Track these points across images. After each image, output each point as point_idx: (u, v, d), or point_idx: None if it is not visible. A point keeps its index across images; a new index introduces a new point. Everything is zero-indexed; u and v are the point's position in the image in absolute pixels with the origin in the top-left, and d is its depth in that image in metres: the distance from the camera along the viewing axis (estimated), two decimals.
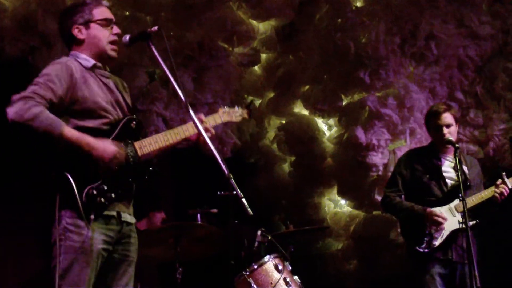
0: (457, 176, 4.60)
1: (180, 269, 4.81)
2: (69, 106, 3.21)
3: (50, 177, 3.09)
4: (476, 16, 7.30)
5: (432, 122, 5.01)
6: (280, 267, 4.87)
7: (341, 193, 7.54)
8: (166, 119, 6.53)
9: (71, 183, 3.02)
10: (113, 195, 3.18)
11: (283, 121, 7.74)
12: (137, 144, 3.36)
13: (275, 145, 7.83)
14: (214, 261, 5.20)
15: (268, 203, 7.61)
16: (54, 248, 3.11)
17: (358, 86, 7.10)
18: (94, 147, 3.11)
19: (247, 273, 4.82)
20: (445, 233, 4.79)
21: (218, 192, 4.90)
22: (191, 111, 3.20)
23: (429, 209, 4.80)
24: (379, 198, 6.72)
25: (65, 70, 3.22)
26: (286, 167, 7.95)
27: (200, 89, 6.72)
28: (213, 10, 6.58)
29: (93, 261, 3.12)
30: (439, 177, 4.96)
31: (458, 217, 4.79)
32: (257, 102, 7.81)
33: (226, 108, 3.97)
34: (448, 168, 4.98)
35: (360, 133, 6.98)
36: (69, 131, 3.08)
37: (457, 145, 4.75)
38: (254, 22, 7.14)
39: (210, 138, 3.26)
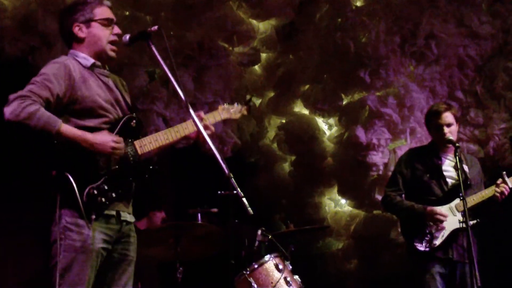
0: (458, 175, 4.61)
1: (181, 268, 4.81)
2: (69, 106, 3.20)
3: (50, 177, 3.09)
4: (476, 15, 7.31)
5: (433, 121, 5.01)
6: (280, 267, 4.86)
7: (342, 193, 7.54)
8: (166, 118, 6.53)
9: (71, 183, 3.02)
10: (113, 194, 3.18)
11: (283, 121, 7.74)
12: (137, 143, 3.35)
13: (275, 145, 7.83)
14: (215, 261, 5.20)
15: (268, 203, 7.60)
16: (53, 247, 3.10)
17: (358, 85, 7.10)
18: (93, 142, 3.12)
19: (248, 272, 4.81)
20: (446, 232, 4.80)
21: (219, 192, 4.90)
22: (191, 110, 3.20)
23: (429, 207, 4.80)
24: (379, 197, 6.72)
25: (63, 69, 3.21)
26: (286, 166, 7.95)
27: (200, 88, 6.72)
28: (213, 9, 6.58)
29: (93, 260, 3.12)
30: (440, 176, 4.96)
31: (459, 216, 4.79)
32: (257, 101, 7.81)
33: (225, 105, 3.95)
34: (448, 167, 4.98)
35: (360, 132, 6.98)
36: (66, 128, 3.08)
37: (457, 144, 4.75)
38: (254, 22, 7.14)
39: (210, 136, 3.26)
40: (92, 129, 3.20)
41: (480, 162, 5.40)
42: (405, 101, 7.03)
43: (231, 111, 3.96)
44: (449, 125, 4.92)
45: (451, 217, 4.82)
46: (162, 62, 3.26)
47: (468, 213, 4.44)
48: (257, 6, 6.89)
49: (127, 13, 6.37)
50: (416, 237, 4.86)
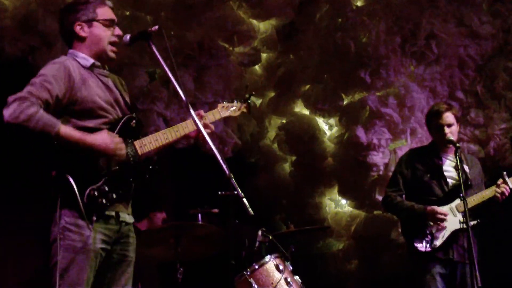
0: (458, 175, 4.61)
1: (181, 269, 4.80)
2: (68, 106, 3.19)
3: (50, 178, 3.08)
4: (477, 15, 7.31)
5: (434, 121, 5.00)
6: (281, 267, 4.86)
7: (342, 193, 7.53)
8: (166, 118, 6.52)
9: (72, 185, 3.02)
10: (114, 195, 3.17)
11: (284, 121, 7.74)
12: (137, 143, 3.35)
13: (275, 145, 7.83)
14: (215, 261, 5.19)
15: (269, 203, 7.60)
16: (53, 247, 3.10)
17: (358, 85, 7.10)
18: (93, 143, 3.11)
19: (248, 273, 4.81)
20: (446, 233, 4.79)
21: (219, 192, 4.89)
22: (191, 110, 3.19)
23: (430, 207, 4.80)
24: (380, 197, 6.72)
25: (62, 70, 3.20)
26: (286, 166, 7.94)
27: (201, 88, 6.72)
28: (213, 9, 6.58)
29: (92, 261, 3.12)
30: (440, 177, 4.96)
31: (459, 217, 4.78)
32: (258, 101, 7.80)
33: (225, 103, 3.93)
34: (449, 167, 4.98)
35: (360, 132, 6.97)
36: (66, 130, 3.07)
37: (458, 144, 4.74)
38: (254, 22, 7.14)
39: (210, 135, 3.25)
40: (92, 130, 3.19)
41: (481, 162, 5.40)
42: (405, 101, 7.02)
43: (231, 109, 3.94)
44: (449, 125, 4.92)
45: (451, 217, 4.82)
46: (162, 62, 3.26)
47: (469, 213, 4.43)
48: (257, 6, 6.88)
49: (128, 13, 6.37)
50: (416, 238, 4.85)
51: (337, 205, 7.80)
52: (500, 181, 4.92)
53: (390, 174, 5.87)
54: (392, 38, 6.99)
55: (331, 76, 7.28)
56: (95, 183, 3.10)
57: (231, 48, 6.99)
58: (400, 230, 5.38)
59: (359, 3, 7.31)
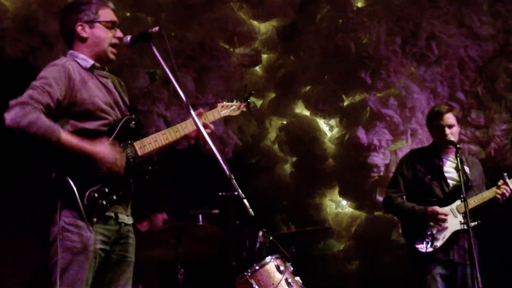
0: (459, 176, 4.60)
1: (182, 269, 4.80)
2: (68, 108, 3.20)
3: (50, 179, 3.08)
4: (477, 16, 7.31)
5: (435, 122, 5.01)
6: (281, 268, 4.86)
7: (343, 194, 7.53)
8: (167, 119, 6.52)
9: (72, 187, 3.02)
10: (114, 197, 3.17)
11: (284, 122, 7.73)
12: (136, 144, 3.34)
13: (276, 146, 7.82)
14: (216, 262, 5.19)
15: (269, 204, 7.60)
16: (52, 247, 3.10)
17: (359, 86, 7.09)
18: (93, 154, 3.10)
19: (249, 273, 4.80)
20: (447, 233, 4.79)
21: (220, 193, 4.89)
22: (191, 111, 3.19)
23: (430, 208, 4.80)
24: (380, 198, 6.71)
25: (63, 72, 3.20)
26: (287, 167, 7.94)
27: (201, 89, 6.71)
28: (213, 10, 6.58)
29: (91, 261, 3.12)
30: (441, 178, 4.96)
31: (460, 218, 4.79)
32: (258, 102, 7.80)
33: (224, 103, 3.92)
34: (449, 168, 4.98)
35: (361, 133, 6.97)
36: (66, 137, 3.07)
37: (458, 145, 4.74)
38: (255, 23, 7.13)
39: (210, 136, 3.25)
40: (91, 132, 3.19)
41: (481, 163, 5.40)
42: (406, 102, 7.02)
43: (231, 108, 3.93)
44: (450, 126, 4.92)
45: (452, 218, 4.82)
46: (163, 63, 3.26)
47: (469, 214, 4.43)
48: (258, 7, 6.88)
49: (128, 14, 6.36)
50: (417, 239, 4.85)
51: (337, 206, 7.80)
52: (500, 182, 4.92)
53: (391, 175, 5.87)
54: (392, 39, 6.99)
55: (332, 77, 7.28)
56: (95, 185, 3.10)
57: (231, 49, 6.99)
58: (400, 231, 5.38)
59: (359, 4, 7.31)
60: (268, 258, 4.90)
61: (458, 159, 4.64)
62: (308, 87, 7.51)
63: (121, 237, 3.29)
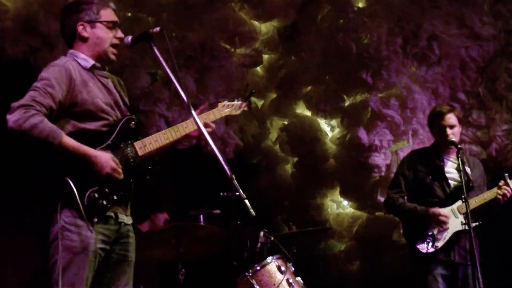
0: (460, 177, 4.60)
1: (183, 270, 4.80)
2: (69, 108, 3.20)
3: (51, 180, 3.08)
4: (478, 16, 7.30)
5: (436, 122, 5.00)
6: (282, 268, 4.85)
7: (344, 194, 7.53)
8: (168, 120, 6.52)
9: (72, 187, 3.02)
10: (115, 197, 3.18)
11: (285, 122, 7.73)
12: (137, 144, 3.35)
13: (277, 146, 7.82)
14: (217, 262, 5.19)
15: (270, 204, 7.59)
16: (52, 247, 3.11)
17: (360, 86, 7.09)
18: (93, 160, 3.10)
19: (250, 274, 4.80)
20: (448, 234, 4.79)
21: (221, 193, 4.89)
22: (192, 111, 3.19)
23: (432, 209, 4.80)
24: (381, 199, 6.71)
25: (64, 72, 3.20)
26: (288, 168, 7.94)
27: (202, 89, 6.71)
28: (214, 11, 6.58)
29: (91, 261, 3.12)
30: (442, 178, 4.96)
31: (461, 218, 4.79)
32: (259, 103, 7.80)
33: (225, 102, 3.92)
34: (451, 169, 4.97)
35: (362, 134, 6.97)
36: (68, 141, 3.07)
37: (459, 146, 4.74)
38: (256, 23, 7.13)
39: (211, 135, 3.25)
40: (92, 132, 3.20)
41: (483, 163, 5.40)
42: (407, 102, 7.02)
43: (232, 107, 3.93)
44: (452, 126, 4.92)
45: (453, 219, 4.81)
46: (164, 63, 3.26)
47: (470, 215, 4.43)
48: (259, 7, 6.88)
49: (129, 14, 6.37)
50: (418, 239, 4.85)
51: (339, 206, 7.80)
52: (501, 182, 4.92)
53: (392, 175, 5.87)
54: (393, 39, 6.99)
55: (333, 77, 7.28)
56: (95, 185, 3.10)
57: (232, 49, 6.99)
58: (401, 231, 5.38)
59: (360, 4, 7.31)
60: (269, 259, 4.90)
61: (459, 159, 4.64)
62: (309, 87, 7.51)
63: (121, 236, 3.30)
